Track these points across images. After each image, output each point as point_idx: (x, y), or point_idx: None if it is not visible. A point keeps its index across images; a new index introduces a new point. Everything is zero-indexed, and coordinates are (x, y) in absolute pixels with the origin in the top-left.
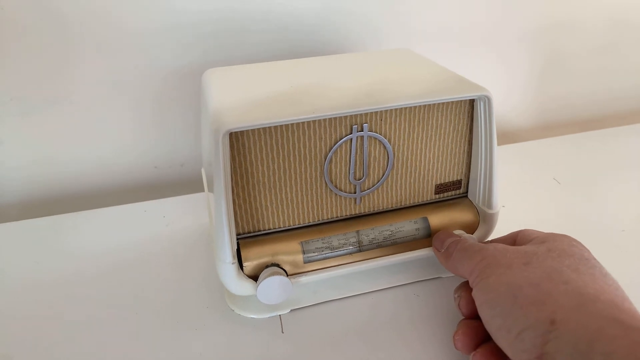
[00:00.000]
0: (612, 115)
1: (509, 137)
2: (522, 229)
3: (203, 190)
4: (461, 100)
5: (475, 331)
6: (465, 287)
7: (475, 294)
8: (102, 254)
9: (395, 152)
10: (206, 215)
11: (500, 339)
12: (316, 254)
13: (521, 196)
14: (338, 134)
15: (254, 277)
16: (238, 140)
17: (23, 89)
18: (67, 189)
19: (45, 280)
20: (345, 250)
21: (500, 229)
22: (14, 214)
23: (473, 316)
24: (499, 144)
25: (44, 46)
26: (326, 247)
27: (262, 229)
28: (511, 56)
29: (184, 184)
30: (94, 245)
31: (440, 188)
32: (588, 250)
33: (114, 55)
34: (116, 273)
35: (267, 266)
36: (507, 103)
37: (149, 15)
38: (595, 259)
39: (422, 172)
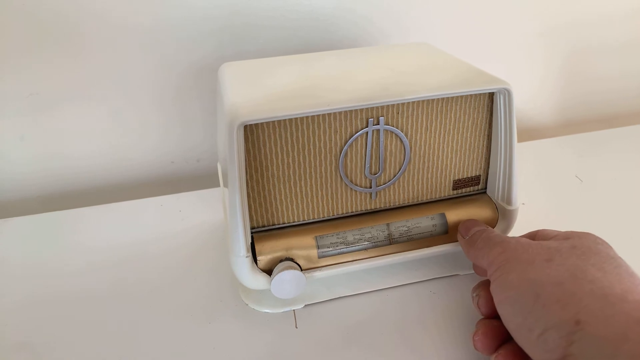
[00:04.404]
0: (635, 112)
1: (531, 133)
2: (541, 228)
3: (219, 186)
4: (480, 94)
5: (496, 331)
6: (484, 285)
7: (493, 289)
8: (118, 247)
9: (412, 146)
10: (221, 210)
11: (521, 338)
12: (331, 249)
13: (542, 194)
14: (354, 128)
15: (268, 271)
16: (253, 133)
17: (42, 85)
18: (84, 183)
19: (63, 272)
20: (360, 246)
21: (520, 227)
22: (33, 207)
23: (492, 315)
24: (520, 141)
25: (62, 42)
26: (341, 243)
27: (276, 223)
28: (533, 52)
29: (200, 179)
30: (111, 238)
31: (458, 184)
32: (613, 249)
33: (130, 51)
34: (132, 266)
35: (281, 260)
36: (528, 99)
37: (166, 11)
38: (620, 257)
39: (439, 167)
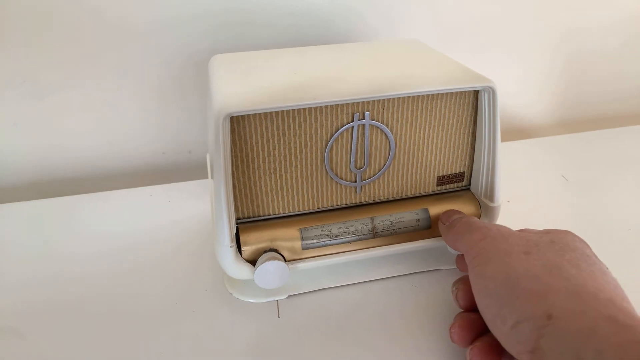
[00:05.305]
0: (626, 113)
1: (523, 132)
2: (524, 227)
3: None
4: (465, 91)
5: (473, 324)
6: (464, 280)
7: (472, 279)
8: (106, 235)
9: (397, 142)
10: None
11: (495, 329)
12: (315, 241)
13: (527, 192)
14: (339, 122)
15: (252, 262)
16: (239, 125)
17: (37, 72)
18: (76, 171)
19: (53, 257)
20: (344, 239)
21: (504, 224)
22: (24, 194)
23: (471, 309)
24: (511, 139)
25: (58, 31)
26: (325, 235)
27: (261, 214)
28: (527, 52)
29: (191, 170)
30: (98, 226)
31: (442, 180)
32: (590, 247)
33: (126, 42)
34: (119, 253)
35: (265, 251)
36: (521, 98)
37: (164, 4)
38: (596, 256)
39: (424, 163)
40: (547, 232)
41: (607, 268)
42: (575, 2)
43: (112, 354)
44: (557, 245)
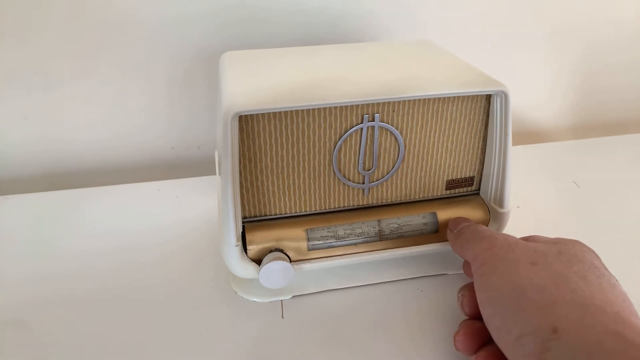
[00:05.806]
0: (638, 119)
1: (534, 136)
2: (534, 233)
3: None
4: (477, 95)
5: (478, 332)
6: (470, 286)
7: (477, 287)
8: (112, 230)
9: (407, 145)
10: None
11: (499, 340)
12: (321, 242)
13: (538, 198)
14: (349, 123)
15: (258, 261)
16: (248, 124)
17: (47, 64)
18: (84, 164)
19: (59, 250)
20: (350, 241)
21: (513, 230)
22: (33, 186)
23: (476, 316)
24: (523, 143)
25: (68, 25)
26: (331, 236)
27: (268, 214)
28: (541, 55)
29: (200, 166)
30: (105, 220)
31: (451, 184)
32: (599, 258)
33: (136, 37)
34: (125, 249)
35: (271, 251)
36: (533, 102)
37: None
38: (605, 267)
39: (433, 167)
40: (556, 242)
41: (616, 280)
42: (588, 4)
43: (116, 350)
44: (565, 257)
